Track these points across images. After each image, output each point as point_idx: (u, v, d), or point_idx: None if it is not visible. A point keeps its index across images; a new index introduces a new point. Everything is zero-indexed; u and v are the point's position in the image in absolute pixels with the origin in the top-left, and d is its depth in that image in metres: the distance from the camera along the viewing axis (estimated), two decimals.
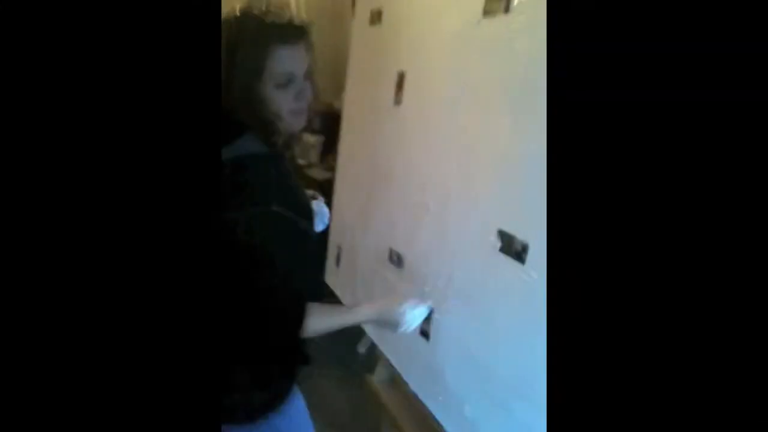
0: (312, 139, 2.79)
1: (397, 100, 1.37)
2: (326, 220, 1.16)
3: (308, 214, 0.88)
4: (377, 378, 1.57)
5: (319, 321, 0.86)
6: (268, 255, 0.78)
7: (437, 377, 1.20)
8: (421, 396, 1.26)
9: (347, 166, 1.76)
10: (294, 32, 0.78)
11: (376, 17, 1.51)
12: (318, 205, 1.14)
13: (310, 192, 1.18)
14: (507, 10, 0.97)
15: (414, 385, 1.29)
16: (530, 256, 0.92)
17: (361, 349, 2.31)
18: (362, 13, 1.61)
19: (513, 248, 0.95)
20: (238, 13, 0.78)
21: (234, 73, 0.76)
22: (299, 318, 0.83)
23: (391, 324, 0.99)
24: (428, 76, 1.26)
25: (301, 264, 0.85)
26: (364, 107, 1.61)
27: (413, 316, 1.02)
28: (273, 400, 0.92)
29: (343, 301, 1.72)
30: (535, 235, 0.91)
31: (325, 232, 1.81)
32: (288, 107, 0.80)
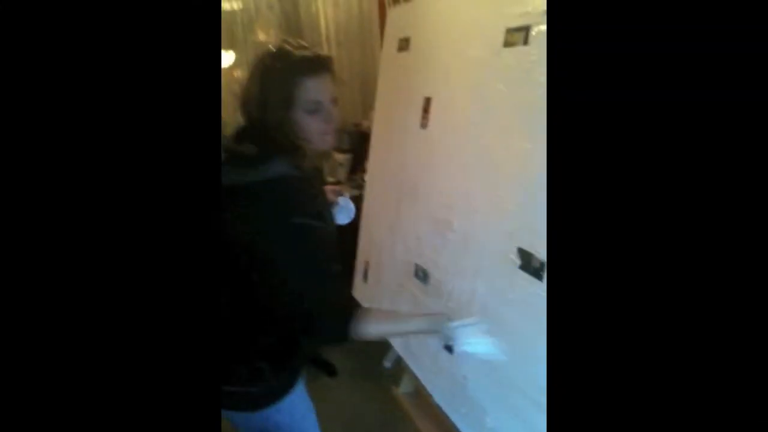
0: (341, 158, 2.89)
1: (423, 123, 1.45)
2: (351, 215, 1.26)
3: (328, 222, 0.95)
4: (402, 390, 1.62)
5: (375, 326, 0.93)
6: (291, 262, 0.85)
7: (460, 389, 1.24)
8: (444, 407, 1.30)
9: (375, 184, 1.84)
10: (319, 64, 0.88)
11: (404, 45, 1.60)
12: (344, 201, 1.24)
13: (336, 188, 1.27)
14: (526, 42, 1.04)
15: (438, 397, 1.33)
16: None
17: (387, 363, 2.36)
18: (391, 40, 1.70)
19: (531, 265, 1.00)
20: (272, 49, 0.89)
21: (269, 102, 0.86)
22: (336, 317, 0.89)
23: (444, 336, 1.01)
24: (453, 102, 1.33)
25: (327, 264, 0.90)
26: (392, 129, 1.68)
27: (469, 335, 0.97)
28: (271, 394, 0.99)
29: None
30: None
31: (354, 247, 1.89)
32: (317, 130, 0.89)
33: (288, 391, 1.01)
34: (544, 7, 0.99)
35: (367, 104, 3.09)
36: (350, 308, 0.91)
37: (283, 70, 0.86)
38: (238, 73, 2.81)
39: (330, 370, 2.25)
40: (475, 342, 0.96)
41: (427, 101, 1.43)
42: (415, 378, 1.45)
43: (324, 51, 3.30)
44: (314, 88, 0.86)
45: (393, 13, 1.77)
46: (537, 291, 0.99)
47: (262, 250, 0.85)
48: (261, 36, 3.32)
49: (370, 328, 0.90)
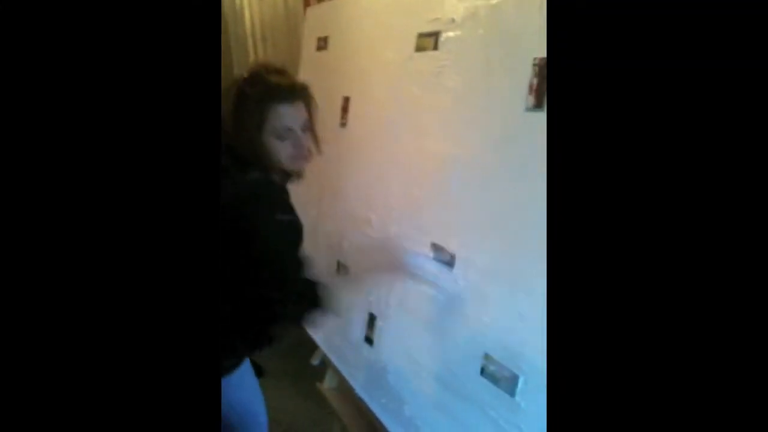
0: None
1: (343, 122, 1.47)
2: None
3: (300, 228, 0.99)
4: (327, 384, 1.64)
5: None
6: (279, 252, 0.90)
7: (380, 380, 1.28)
8: (366, 399, 1.34)
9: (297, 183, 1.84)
10: (293, 92, 0.90)
11: (323, 44, 1.62)
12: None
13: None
14: (436, 47, 1.09)
15: (359, 389, 1.37)
16: (457, 265, 1.03)
17: (315, 361, 2.37)
18: (310, 39, 1.71)
19: (443, 258, 1.06)
20: (247, 74, 0.90)
21: (241, 125, 0.87)
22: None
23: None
24: (370, 102, 1.36)
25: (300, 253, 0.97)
26: None
27: None
28: (227, 367, 1.01)
29: None
30: (462, 245, 1.02)
31: None
32: (286, 155, 0.91)
33: (239, 366, 1.03)
34: (453, 15, 1.05)
35: None
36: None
37: (257, 97, 0.87)
38: None
39: (257, 371, 2.22)
40: None
41: (346, 101, 1.46)
42: (339, 372, 1.48)
43: (250, 45, 3.13)
44: (286, 115, 0.88)
45: (312, 12, 1.78)
46: (449, 280, 1.05)
47: (247, 243, 0.86)
48: None
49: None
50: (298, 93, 0.91)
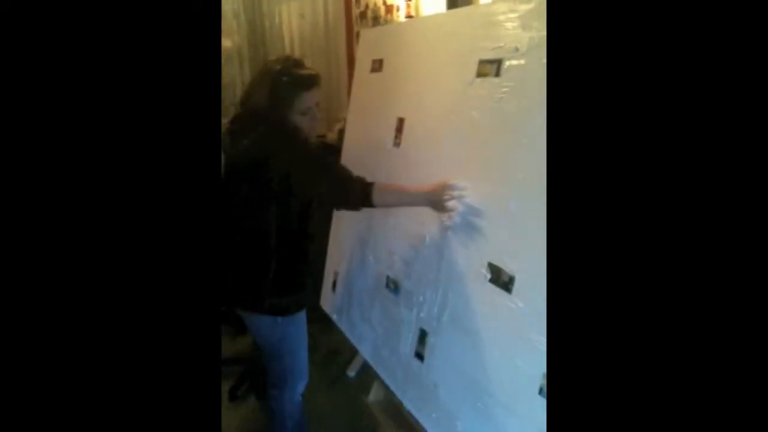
0: None
1: (397, 142, 1.52)
2: None
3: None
4: (372, 398, 1.67)
5: (386, 194, 1.24)
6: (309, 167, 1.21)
7: (431, 396, 1.31)
8: (416, 414, 1.36)
9: None
10: (314, 80, 1.26)
11: (377, 66, 1.67)
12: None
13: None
14: (497, 74, 1.13)
15: (408, 404, 1.40)
16: (516, 287, 1.05)
17: (351, 372, 2.40)
18: (364, 61, 1.77)
19: (501, 279, 1.09)
20: (278, 66, 1.24)
21: (275, 106, 1.22)
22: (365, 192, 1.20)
23: (438, 206, 1.22)
24: (426, 124, 1.41)
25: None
26: (365, 146, 1.74)
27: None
28: (291, 306, 1.34)
29: (340, 325, 1.83)
30: (522, 268, 1.05)
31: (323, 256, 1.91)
32: (306, 127, 1.27)
33: (302, 308, 1.38)
34: (516, 44, 1.09)
35: (331, 117, 3.14)
36: (366, 181, 1.22)
37: (288, 84, 1.21)
38: None
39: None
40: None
41: (401, 122, 1.50)
42: (384, 386, 1.51)
43: None
44: (308, 98, 1.25)
45: (366, 35, 1.84)
46: (506, 303, 1.07)
47: (283, 174, 1.19)
48: (226, 42, 3.32)
49: (384, 195, 1.22)
50: (316, 81, 1.25)
